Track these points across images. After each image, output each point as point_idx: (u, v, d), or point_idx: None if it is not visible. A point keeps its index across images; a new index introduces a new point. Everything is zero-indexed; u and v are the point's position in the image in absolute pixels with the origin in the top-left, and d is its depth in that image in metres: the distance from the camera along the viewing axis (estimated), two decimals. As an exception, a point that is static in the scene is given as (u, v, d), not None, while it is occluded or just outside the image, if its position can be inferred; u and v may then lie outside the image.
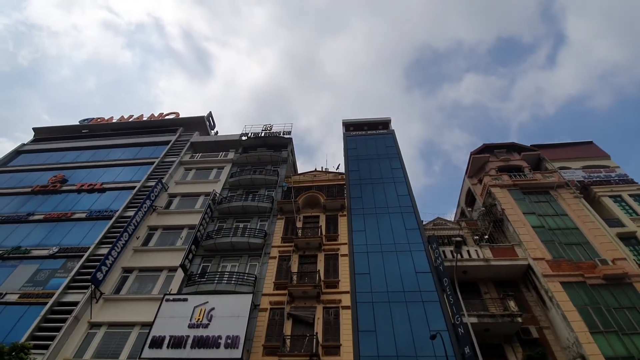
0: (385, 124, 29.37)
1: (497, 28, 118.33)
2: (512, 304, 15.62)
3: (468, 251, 18.02)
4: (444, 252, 18.08)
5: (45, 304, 17.11)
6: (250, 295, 15.88)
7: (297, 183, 23.82)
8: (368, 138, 27.59)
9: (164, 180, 24.87)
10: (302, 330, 15.45)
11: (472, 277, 17.72)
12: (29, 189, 26.10)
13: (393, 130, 28.19)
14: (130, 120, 33.97)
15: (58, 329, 15.93)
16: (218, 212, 22.17)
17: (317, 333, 14.92)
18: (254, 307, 16.04)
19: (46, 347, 15.17)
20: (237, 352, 13.68)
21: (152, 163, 27.33)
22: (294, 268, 18.11)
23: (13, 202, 25.24)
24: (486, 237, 19.40)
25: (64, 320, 16.26)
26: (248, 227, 20.92)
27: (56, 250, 20.30)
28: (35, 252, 20.41)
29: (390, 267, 17.53)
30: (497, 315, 15.05)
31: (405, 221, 19.76)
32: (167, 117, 33.69)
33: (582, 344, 13.48)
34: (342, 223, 20.43)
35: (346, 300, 16.32)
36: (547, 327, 15.53)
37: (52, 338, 15.58)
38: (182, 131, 32.03)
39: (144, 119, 33.94)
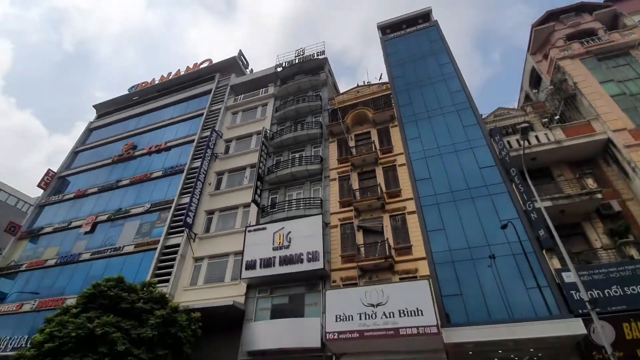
0: (424, 16, 26.14)
1: None
2: (590, 181, 14.78)
3: (536, 136, 16.82)
4: (508, 142, 17.15)
5: (155, 249, 20.50)
6: (320, 216, 17.17)
7: (341, 103, 23.33)
8: (408, 37, 25.08)
9: (216, 128, 26.11)
10: (373, 238, 16.64)
11: (543, 162, 16.82)
12: (110, 160, 29.47)
13: (436, 21, 25.06)
14: (170, 78, 34.90)
15: (171, 266, 19.28)
16: (272, 148, 23.09)
17: (387, 239, 15.99)
18: (325, 225, 17.43)
19: (167, 280, 18.62)
20: (319, 264, 15.45)
21: (202, 114, 28.52)
22: (355, 185, 18.81)
23: (102, 173, 28.95)
24: (556, 117, 17.72)
25: (173, 259, 19.54)
26: (303, 155, 21.68)
27: (149, 206, 23.48)
28: (134, 211, 23.87)
29: (451, 168, 17.27)
30: (573, 196, 14.46)
31: (462, 118, 18.71)
32: (202, 67, 33.86)
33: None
34: (395, 134, 20.08)
35: (411, 206, 16.85)
36: (630, 199, 14.63)
37: (169, 274, 18.99)
38: (219, 77, 32.21)
39: (182, 73, 34.59)
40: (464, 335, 11.99)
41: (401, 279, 14.66)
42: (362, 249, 16.09)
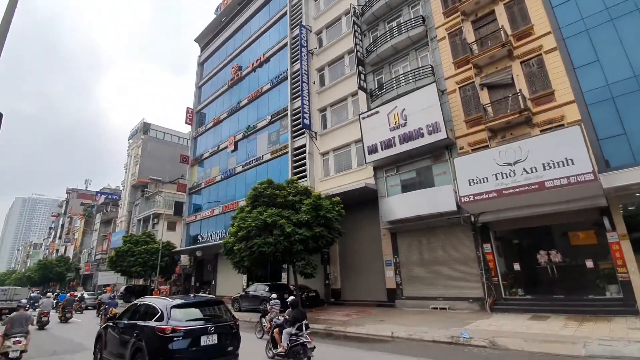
0: None
1: None
2: None
3: None
4: None
5: (287, 152, 23.34)
6: (433, 85, 15.84)
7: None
8: None
9: (304, 23, 25.00)
10: (501, 93, 14.66)
11: None
12: (226, 86, 32.67)
13: None
14: (244, -17, 33.73)
15: (304, 164, 21.91)
16: (365, 24, 21.05)
17: (520, 90, 13.86)
18: (441, 93, 16.10)
19: (304, 176, 21.46)
20: (442, 134, 14.93)
21: (285, 13, 27.42)
22: (470, 38, 16.05)
23: (225, 98, 32.77)
24: None
25: (304, 158, 22.03)
26: (401, 22, 19.18)
27: (269, 118, 25.98)
28: (260, 124, 26.93)
29: (609, -30, 12.64)
30: None
31: None
32: (269, -43, 31.12)
33: None
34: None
35: (548, 42, 13.65)
36: None
37: (304, 170, 21.75)
38: (290, -38, 29.25)
39: (254, -27, 32.79)
40: (631, 177, 10.44)
41: (542, 131, 13.01)
42: (489, 109, 14.54)
